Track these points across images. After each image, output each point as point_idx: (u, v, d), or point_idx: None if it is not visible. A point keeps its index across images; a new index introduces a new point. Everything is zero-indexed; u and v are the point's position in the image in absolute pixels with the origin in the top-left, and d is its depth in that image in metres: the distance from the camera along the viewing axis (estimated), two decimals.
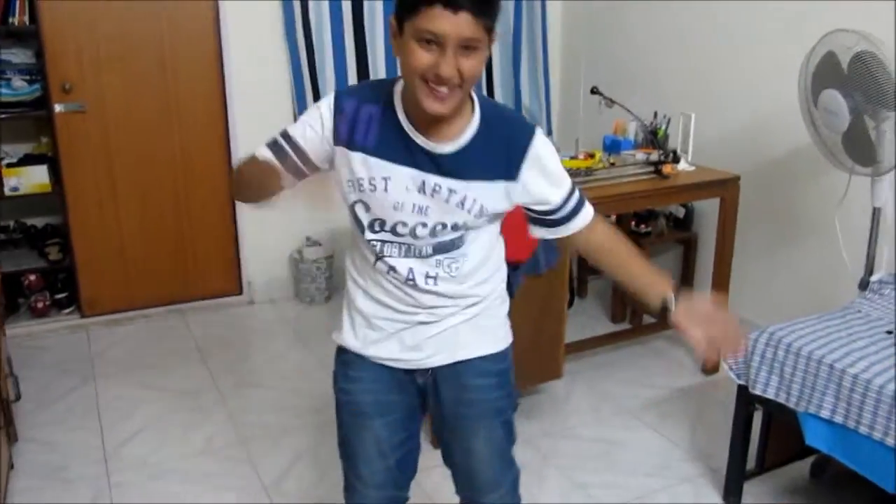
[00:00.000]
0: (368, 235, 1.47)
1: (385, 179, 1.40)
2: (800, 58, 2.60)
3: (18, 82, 3.57)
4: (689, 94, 3.68)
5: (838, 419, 2.06)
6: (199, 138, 3.89)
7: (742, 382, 2.33)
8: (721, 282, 3.23)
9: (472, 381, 1.58)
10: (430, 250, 1.47)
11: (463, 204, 1.42)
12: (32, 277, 3.80)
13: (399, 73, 1.37)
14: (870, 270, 2.69)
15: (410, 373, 1.59)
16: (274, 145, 1.45)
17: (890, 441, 1.93)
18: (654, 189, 3.01)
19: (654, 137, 3.30)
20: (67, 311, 3.87)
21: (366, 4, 3.91)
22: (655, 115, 3.41)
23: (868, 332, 2.23)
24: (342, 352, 1.63)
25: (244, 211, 4.02)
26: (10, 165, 3.63)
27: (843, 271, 2.85)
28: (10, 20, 3.44)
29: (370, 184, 1.41)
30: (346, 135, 1.39)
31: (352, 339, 1.59)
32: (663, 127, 3.36)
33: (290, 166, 1.40)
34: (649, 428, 2.94)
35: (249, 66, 3.85)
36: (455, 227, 1.45)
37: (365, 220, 1.46)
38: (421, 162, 1.39)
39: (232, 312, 4.06)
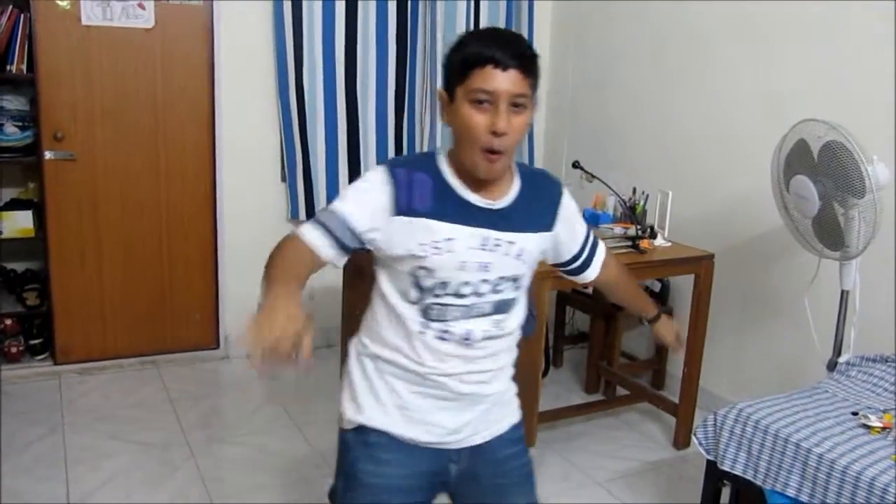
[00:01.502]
0: (428, 300, 1.46)
1: (449, 241, 1.43)
2: (775, 142, 2.71)
3: (11, 128, 3.62)
4: (667, 172, 3.79)
5: (804, 498, 2.09)
6: (186, 192, 3.94)
7: (711, 458, 2.35)
8: (694, 356, 3.28)
9: (506, 451, 1.62)
10: (490, 308, 1.51)
11: (520, 255, 1.50)
12: (8, 322, 3.78)
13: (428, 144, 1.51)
14: (838, 352, 2.75)
15: (445, 452, 1.57)
16: (318, 223, 1.45)
17: None
18: (631, 263, 3.07)
19: (632, 213, 3.39)
20: (41, 357, 3.84)
21: (359, 72, 4.01)
22: (634, 191, 3.51)
23: (834, 413, 2.28)
24: (364, 431, 1.55)
25: (226, 265, 4.04)
26: None
27: (812, 351, 2.91)
28: (8, 68, 3.51)
29: (434, 247, 1.43)
30: (406, 203, 1.42)
31: (381, 416, 1.53)
32: (641, 203, 3.46)
33: (333, 244, 1.43)
34: (618, 500, 2.94)
35: (240, 124, 3.93)
36: (514, 280, 1.52)
37: (427, 283, 1.45)
38: (480, 220, 1.45)
39: (207, 366, 4.04)
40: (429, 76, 4.15)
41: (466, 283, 1.46)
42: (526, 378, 3.00)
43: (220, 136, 3.91)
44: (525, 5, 4.34)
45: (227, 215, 4.00)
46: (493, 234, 1.46)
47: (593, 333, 3.86)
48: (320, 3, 3.86)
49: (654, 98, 3.92)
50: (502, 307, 1.52)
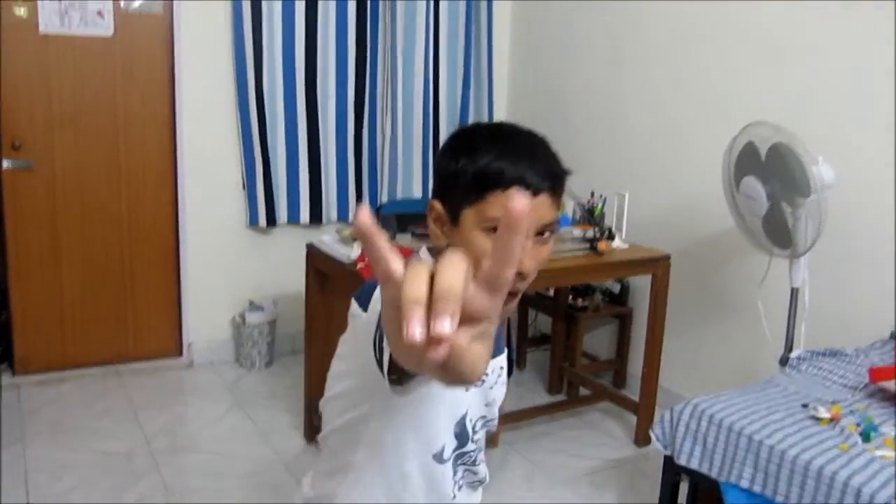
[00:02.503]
0: (468, 446, 1.24)
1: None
2: (727, 143, 2.78)
3: None
4: (624, 175, 3.87)
5: (756, 489, 2.15)
6: (148, 200, 3.92)
7: (667, 453, 2.41)
8: (652, 355, 3.34)
9: None
10: (477, 456, 1.30)
11: (499, 376, 1.30)
12: None
13: None
14: (789, 347, 2.84)
15: None
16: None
17: None
18: (589, 265, 3.14)
19: (590, 215, 3.45)
20: None
21: (319, 78, 4.03)
22: (592, 194, 3.57)
23: (785, 406, 2.35)
24: None
25: (188, 272, 4.03)
26: None
27: (765, 347, 3.00)
28: None
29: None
30: None
31: None
32: (599, 205, 3.52)
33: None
34: (581, 498, 2.99)
35: (201, 131, 3.92)
36: (497, 408, 1.31)
37: (469, 427, 1.23)
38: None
39: (170, 374, 4.02)
40: (388, 81, 4.18)
41: (483, 418, 1.27)
42: None
43: (182, 143, 3.90)
44: (484, 5, 4.38)
45: (188, 223, 3.99)
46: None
47: (555, 335, 3.92)
48: (280, 8, 3.88)
49: (610, 102, 4.00)
50: (481, 448, 1.33)
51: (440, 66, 4.34)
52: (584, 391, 3.81)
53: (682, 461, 2.35)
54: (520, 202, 0.53)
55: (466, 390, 1.20)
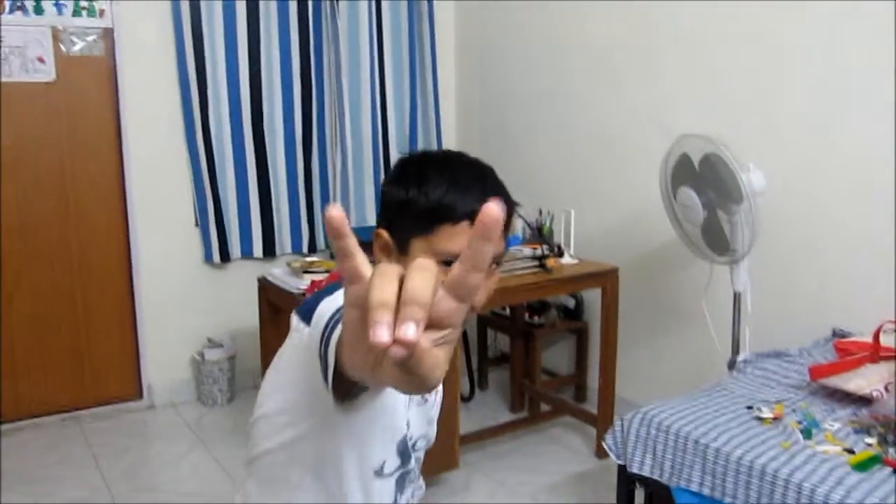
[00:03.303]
0: (410, 464, 1.27)
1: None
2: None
3: None
4: (570, 191, 3.94)
5: (706, 491, 2.20)
6: (99, 242, 3.91)
7: (620, 462, 2.45)
8: (608, 366, 3.40)
9: None
10: (418, 470, 1.34)
11: (437, 395, 1.37)
12: None
13: None
14: (736, 351, 2.91)
15: None
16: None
17: None
18: (540, 282, 3.19)
19: (539, 233, 3.51)
20: None
21: (265, 110, 4.06)
22: (540, 212, 3.64)
23: (731, 408, 2.40)
24: None
25: (144, 313, 4.01)
26: None
27: (715, 352, 3.06)
28: None
29: (421, 398, 1.26)
30: None
31: None
32: (547, 223, 3.58)
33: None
34: None
35: (150, 171, 3.92)
36: (435, 426, 1.35)
37: (410, 444, 1.26)
38: None
39: (131, 418, 3.98)
40: (336, 111, 4.22)
41: (424, 437, 1.30)
42: (447, 401, 3.07)
43: (131, 183, 3.90)
44: (426, 26, 4.43)
45: (142, 263, 3.97)
46: None
47: (514, 353, 3.96)
48: (222, 47, 3.91)
49: (553, 117, 4.08)
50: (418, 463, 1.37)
51: (386, 93, 4.40)
52: (545, 407, 3.85)
53: (635, 469, 2.39)
54: (494, 210, 0.54)
55: (413, 401, 1.22)
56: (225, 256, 4.06)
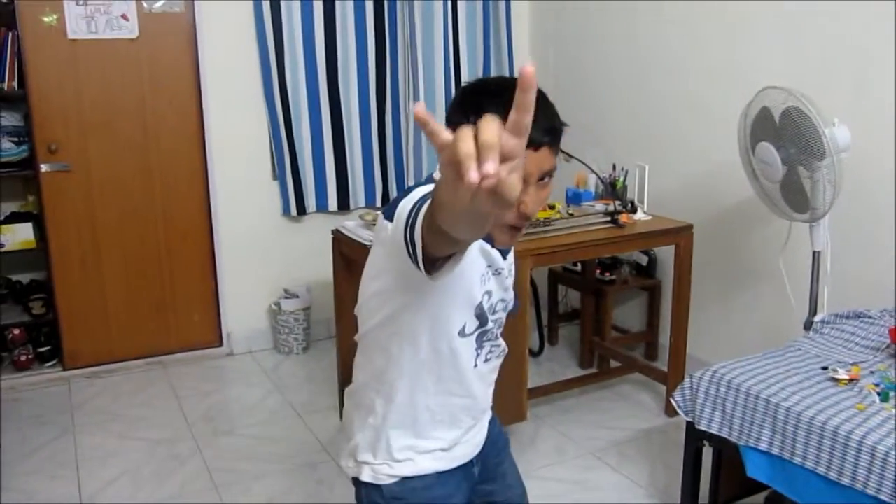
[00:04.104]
0: (488, 325, 1.44)
1: (499, 268, 1.43)
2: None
3: (7, 143, 3.74)
4: (645, 147, 3.86)
5: (775, 451, 2.17)
6: (180, 196, 4.04)
7: (688, 419, 2.44)
8: (679, 325, 3.36)
9: (494, 430, 1.66)
10: (504, 315, 1.51)
11: (511, 270, 1.50)
12: (16, 332, 3.91)
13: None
14: (813, 311, 2.84)
15: (472, 461, 1.58)
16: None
17: (821, 470, 2.04)
18: (610, 238, 3.16)
19: (612, 189, 3.47)
20: (50, 364, 3.96)
21: (339, 64, 4.10)
22: (614, 167, 3.59)
23: (804, 369, 2.36)
24: (410, 480, 1.49)
25: (224, 265, 4.15)
26: None
27: (790, 313, 2.99)
28: (0, 85, 3.62)
29: (496, 269, 1.42)
30: None
31: (429, 462, 1.49)
32: (621, 178, 3.53)
33: None
34: (611, 468, 3.03)
35: (229, 125, 4.02)
36: (512, 292, 1.50)
37: (486, 308, 1.42)
38: (493, 253, 1.40)
39: (212, 364, 4.16)
40: (409, 64, 4.23)
41: (503, 301, 1.47)
42: (514, 355, 3.09)
43: (210, 138, 4.01)
44: None
45: (221, 215, 4.10)
46: (503, 263, 1.45)
47: (584, 309, 3.95)
48: (298, 4, 3.95)
49: (629, 74, 3.99)
50: (501, 326, 1.53)
51: (460, 45, 4.37)
52: (614, 364, 3.84)
53: (703, 426, 2.38)
54: (528, 68, 0.72)
55: (490, 274, 1.40)
56: (301, 209, 4.16)
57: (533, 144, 1.21)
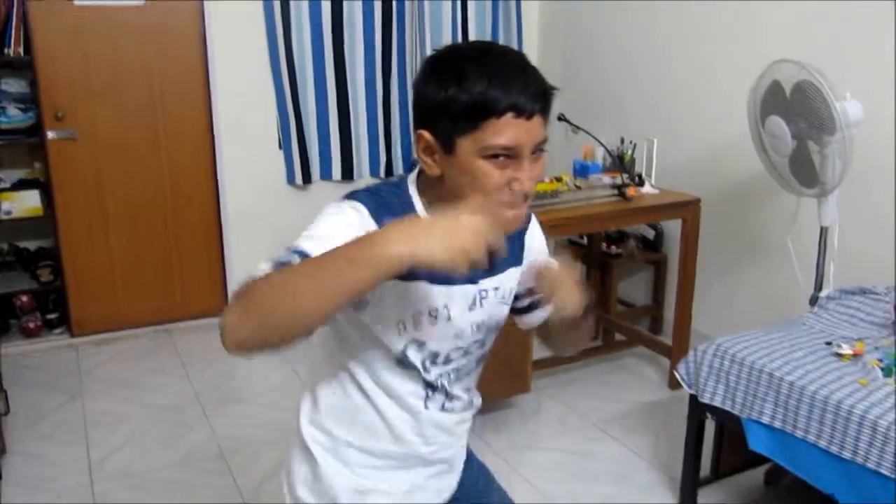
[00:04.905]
0: (425, 376, 1.27)
1: (447, 307, 1.22)
2: None
3: (13, 110, 3.73)
4: (653, 121, 3.84)
5: (777, 424, 2.19)
6: (187, 164, 4.04)
7: (692, 391, 2.45)
8: (685, 299, 3.36)
9: (471, 472, 1.51)
10: (474, 363, 1.35)
11: (504, 297, 1.32)
12: (24, 299, 3.93)
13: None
14: (819, 286, 2.83)
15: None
16: (284, 265, 1.06)
17: (822, 443, 2.06)
18: (617, 211, 3.15)
19: (620, 162, 3.45)
20: (58, 331, 3.99)
21: (345, 33, 4.07)
22: (622, 140, 3.57)
23: (808, 343, 2.37)
24: None
25: (230, 232, 4.16)
26: (3, 190, 3.78)
27: (797, 288, 2.99)
28: (6, 51, 3.61)
29: (430, 316, 1.21)
30: None
31: (383, 499, 1.33)
32: (629, 152, 3.52)
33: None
34: (613, 440, 3.06)
35: (235, 95, 4.01)
36: (498, 325, 1.34)
37: (417, 360, 1.25)
38: (470, 273, 1.05)
39: (218, 331, 4.16)
40: (417, 35, 4.20)
41: (458, 349, 1.29)
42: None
43: (217, 105, 4.00)
44: None
45: (227, 183, 4.10)
46: (483, 284, 1.26)
47: (589, 282, 3.95)
48: None
49: (639, 47, 3.95)
50: (482, 358, 1.37)
51: (468, 19, 4.34)
52: (619, 337, 3.85)
53: (706, 399, 2.39)
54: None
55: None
56: (306, 178, 4.17)
57: (524, 113, 1.09)
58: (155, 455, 2.96)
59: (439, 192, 1.18)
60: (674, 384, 3.42)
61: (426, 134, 1.14)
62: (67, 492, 2.72)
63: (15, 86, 3.74)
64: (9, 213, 3.76)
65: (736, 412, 2.31)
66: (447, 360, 1.28)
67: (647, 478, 2.81)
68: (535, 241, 1.39)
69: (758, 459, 2.55)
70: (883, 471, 1.92)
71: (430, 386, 1.29)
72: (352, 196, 1.19)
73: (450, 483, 1.44)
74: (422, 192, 1.22)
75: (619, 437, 3.07)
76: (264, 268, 1.06)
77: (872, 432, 1.94)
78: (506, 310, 1.34)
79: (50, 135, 3.74)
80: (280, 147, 4.15)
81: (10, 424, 3.07)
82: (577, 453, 2.96)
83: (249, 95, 4.04)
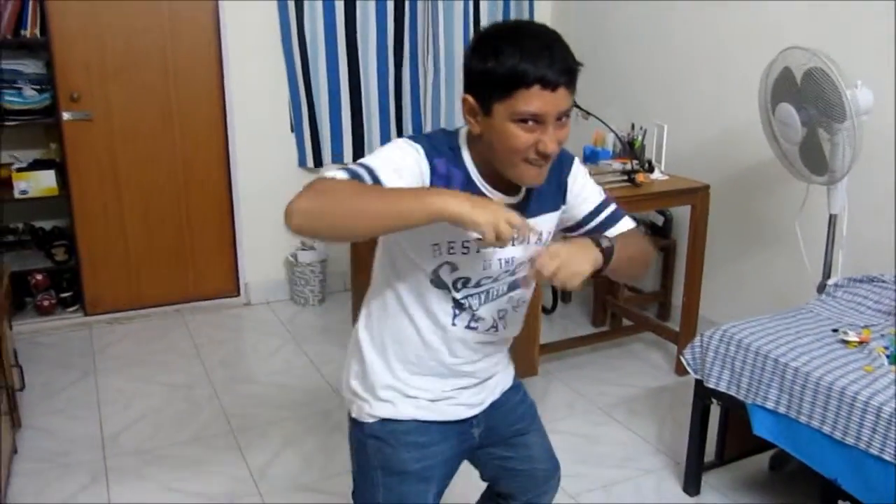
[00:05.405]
0: (455, 294, 1.46)
1: (478, 240, 1.33)
2: None
3: (29, 91, 3.76)
4: (664, 107, 3.84)
5: (782, 410, 2.21)
6: (200, 145, 4.07)
7: (697, 376, 2.48)
8: (693, 285, 3.38)
9: (514, 399, 1.70)
10: (505, 288, 1.50)
11: (540, 239, 1.48)
12: (39, 277, 3.98)
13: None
14: (827, 274, 2.84)
15: (469, 420, 1.60)
16: (351, 173, 1.28)
17: (826, 429, 2.07)
18: (626, 196, 3.15)
19: (630, 148, 3.46)
20: (72, 309, 4.04)
21: (358, 18, 4.08)
22: (633, 126, 3.58)
23: (815, 330, 2.38)
24: (393, 422, 1.53)
25: (241, 215, 4.19)
26: (19, 170, 3.81)
27: (805, 275, 3.00)
28: (23, 32, 3.64)
29: (463, 246, 1.40)
30: None
31: (412, 409, 1.53)
32: (639, 138, 3.52)
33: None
34: (620, 424, 3.08)
35: (248, 76, 4.03)
36: (532, 260, 1.41)
37: (448, 280, 1.44)
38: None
39: (229, 313, 4.22)
40: (430, 20, 4.20)
41: (488, 277, 1.46)
42: (528, 310, 3.13)
43: (230, 88, 4.02)
44: None
45: (240, 166, 4.13)
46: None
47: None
48: None
49: (650, 33, 3.95)
50: (516, 284, 1.52)
51: (480, 3, 4.33)
52: (627, 323, 3.87)
53: (712, 384, 2.41)
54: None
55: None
56: (318, 161, 4.19)
57: (550, 85, 1.28)
58: (166, 432, 3.01)
59: (479, 148, 1.39)
60: (681, 370, 3.44)
61: (470, 98, 1.35)
62: (80, 466, 2.77)
63: (31, 67, 3.77)
64: (25, 192, 3.80)
65: (741, 397, 2.33)
66: (478, 285, 1.46)
67: (653, 462, 2.83)
68: (577, 183, 1.55)
69: (762, 445, 2.57)
70: (886, 457, 1.93)
71: (459, 305, 1.47)
72: (411, 137, 1.40)
73: (481, 398, 1.60)
74: (469, 145, 1.42)
75: (626, 421, 3.10)
76: (339, 174, 1.27)
77: (876, 418, 1.95)
78: (541, 248, 1.44)
79: (65, 116, 3.77)
80: (292, 130, 4.17)
81: (24, 400, 3.12)
82: (584, 436, 2.99)
83: (262, 78, 4.07)
